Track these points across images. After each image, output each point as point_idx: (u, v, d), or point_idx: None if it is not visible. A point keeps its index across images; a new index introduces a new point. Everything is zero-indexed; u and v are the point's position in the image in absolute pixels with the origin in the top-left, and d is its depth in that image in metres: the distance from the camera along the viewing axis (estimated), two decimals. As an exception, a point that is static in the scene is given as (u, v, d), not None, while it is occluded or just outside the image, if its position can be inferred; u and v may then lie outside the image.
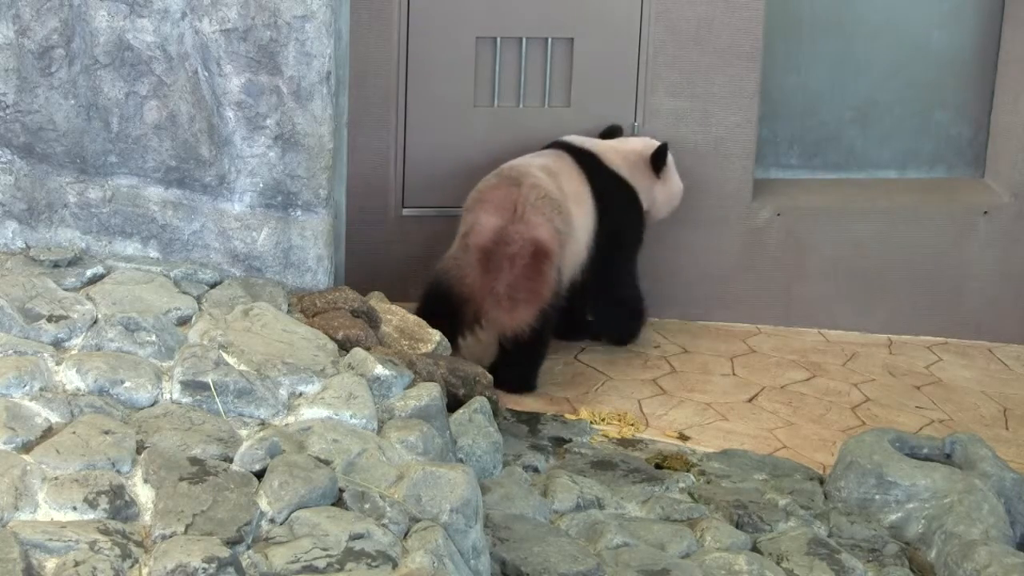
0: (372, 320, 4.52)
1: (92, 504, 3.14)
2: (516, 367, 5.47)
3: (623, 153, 6.00)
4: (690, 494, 4.45)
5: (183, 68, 4.48)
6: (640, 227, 6.04)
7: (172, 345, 3.92)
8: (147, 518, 3.16)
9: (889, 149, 6.76)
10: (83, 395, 3.61)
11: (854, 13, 6.60)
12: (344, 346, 4.16)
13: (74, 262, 4.37)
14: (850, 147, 6.74)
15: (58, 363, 3.73)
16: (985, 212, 6.56)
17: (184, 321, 4.13)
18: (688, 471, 4.68)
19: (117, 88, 4.47)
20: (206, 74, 4.49)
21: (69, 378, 3.67)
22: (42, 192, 4.49)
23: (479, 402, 4.32)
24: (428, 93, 6.12)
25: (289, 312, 4.38)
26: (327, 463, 3.41)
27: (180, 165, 4.55)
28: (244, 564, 2.99)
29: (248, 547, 3.09)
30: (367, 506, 3.30)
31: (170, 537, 3.05)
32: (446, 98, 6.13)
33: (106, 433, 3.39)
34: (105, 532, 3.03)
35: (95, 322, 3.97)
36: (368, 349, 4.10)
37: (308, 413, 3.70)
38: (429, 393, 3.94)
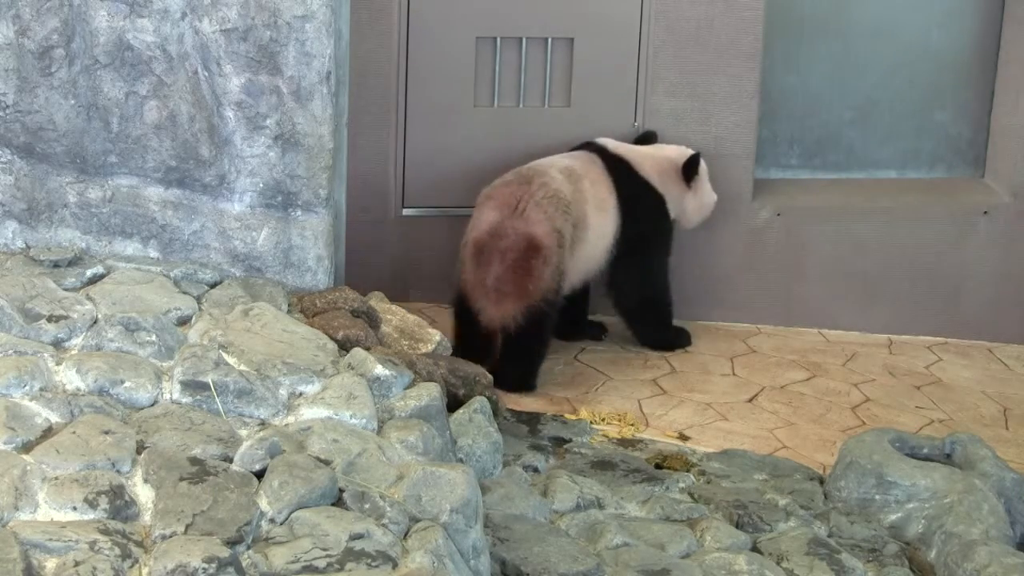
0: (372, 320, 4.52)
1: (92, 504, 3.14)
2: (514, 365, 5.48)
3: (656, 160, 5.99)
4: (690, 494, 4.44)
5: (183, 68, 4.49)
6: (666, 235, 6.03)
7: (172, 345, 3.92)
8: (147, 518, 3.16)
9: (889, 149, 6.76)
10: (83, 395, 3.61)
11: (854, 13, 6.60)
12: (344, 346, 4.16)
13: (74, 262, 4.37)
14: (850, 147, 6.74)
15: (58, 363, 3.73)
16: (985, 212, 6.56)
17: (184, 321, 4.14)
18: (688, 471, 4.68)
19: (117, 88, 4.47)
20: (206, 74, 4.49)
21: (69, 378, 3.67)
22: (42, 192, 4.49)
23: (479, 402, 4.32)
24: (428, 93, 6.12)
25: (289, 312, 4.38)
26: (327, 463, 3.41)
27: (180, 165, 4.55)
28: (244, 564, 2.99)
29: (248, 547, 3.09)
30: (367, 506, 3.30)
31: (170, 537, 3.05)
32: (446, 98, 6.13)
33: (106, 433, 3.39)
34: (105, 532, 3.03)
35: (95, 322, 3.97)
36: (368, 349, 4.10)
37: (308, 413, 3.70)
38: (429, 393, 3.94)
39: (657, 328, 6.09)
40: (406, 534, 3.25)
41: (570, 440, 4.88)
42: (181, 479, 3.24)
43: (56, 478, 3.21)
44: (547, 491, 4.23)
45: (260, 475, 3.33)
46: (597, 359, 5.94)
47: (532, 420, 5.02)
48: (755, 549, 4.13)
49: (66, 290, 4.14)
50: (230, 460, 3.40)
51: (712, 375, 5.89)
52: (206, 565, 2.91)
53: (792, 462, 4.94)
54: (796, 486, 4.63)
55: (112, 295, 4.14)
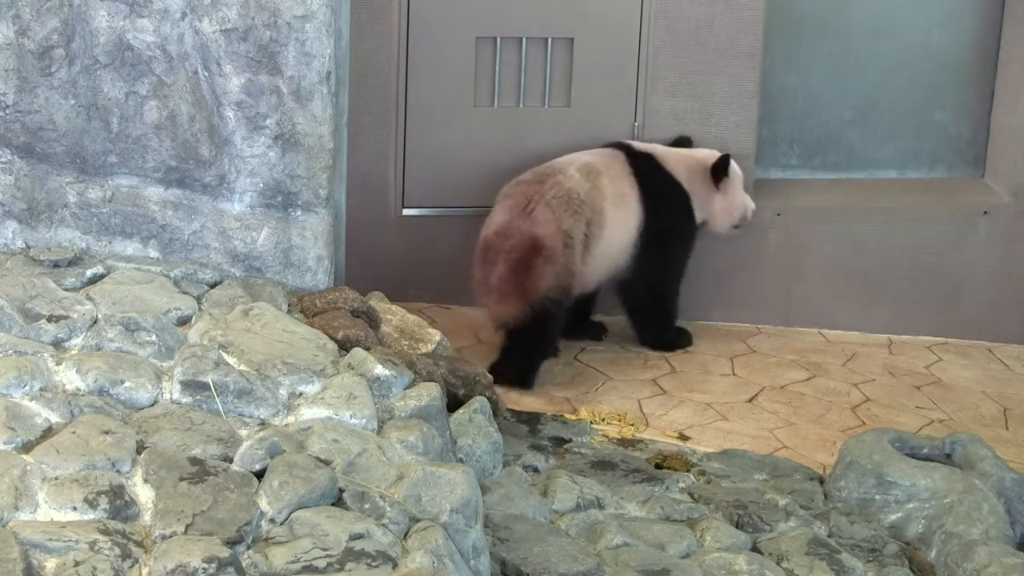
0: (372, 320, 4.52)
1: (92, 504, 3.13)
2: (512, 362, 5.49)
3: (684, 158, 6.00)
4: (690, 494, 4.44)
5: (183, 68, 4.48)
6: (687, 234, 6.02)
7: (172, 345, 3.92)
8: (147, 518, 3.16)
9: (889, 149, 6.76)
10: (83, 395, 3.61)
11: (854, 13, 6.60)
12: (344, 346, 4.16)
13: (74, 262, 4.37)
14: (850, 147, 6.74)
15: (58, 363, 3.73)
16: (985, 212, 6.56)
17: (184, 321, 4.13)
18: (688, 471, 4.68)
19: (117, 88, 4.47)
20: (206, 74, 4.49)
21: (69, 378, 3.67)
22: (42, 192, 4.49)
23: (479, 402, 4.31)
24: (428, 93, 6.12)
25: (289, 312, 4.38)
26: (327, 463, 3.41)
27: (180, 165, 4.55)
28: (244, 564, 2.99)
29: (248, 547, 3.09)
30: (367, 506, 3.30)
31: (170, 537, 3.05)
32: (446, 98, 6.14)
33: (106, 433, 3.39)
34: (105, 532, 3.03)
35: (95, 322, 3.96)
36: (368, 349, 4.10)
37: (308, 413, 3.70)
38: (429, 393, 3.94)
39: (660, 327, 6.09)
40: (406, 534, 3.25)
41: (570, 440, 4.88)
42: (181, 479, 3.24)
43: (56, 478, 3.21)
44: (547, 491, 4.23)
45: (260, 475, 3.33)
46: (597, 359, 5.94)
47: (532, 420, 5.03)
48: (755, 549, 4.13)
49: (66, 290, 4.14)
50: (230, 460, 3.40)
51: (712, 375, 5.89)
52: (206, 565, 2.91)
53: (792, 462, 4.94)
54: (796, 486, 4.63)
55: (112, 295, 4.14)
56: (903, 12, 6.63)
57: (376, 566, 3.07)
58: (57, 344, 3.86)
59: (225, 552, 2.97)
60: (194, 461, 3.34)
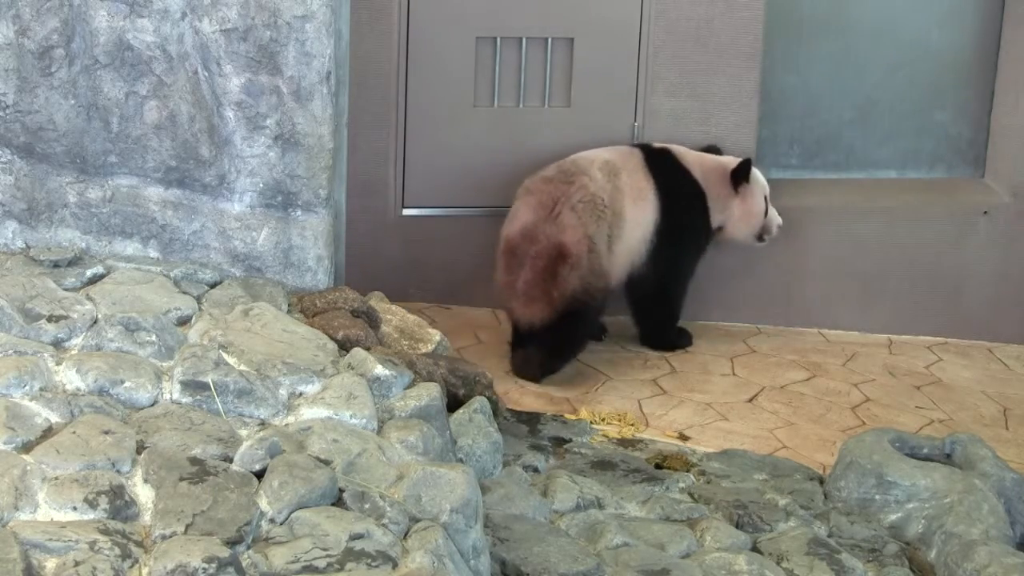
0: (372, 320, 4.52)
1: (92, 504, 3.13)
2: (539, 356, 5.54)
3: (703, 159, 6.02)
4: (690, 494, 4.44)
5: (183, 68, 4.48)
6: (700, 233, 6.02)
7: (172, 345, 3.92)
8: (147, 518, 3.16)
9: (889, 149, 6.77)
10: (83, 395, 3.61)
11: (854, 13, 6.61)
12: (344, 346, 4.16)
13: (74, 262, 4.37)
14: (850, 147, 6.74)
15: (58, 363, 3.73)
16: (985, 212, 6.57)
17: (184, 321, 4.13)
18: (688, 471, 4.68)
19: (117, 88, 4.47)
20: (206, 74, 4.49)
21: (69, 378, 3.67)
22: (42, 192, 4.49)
23: (479, 402, 4.31)
24: (428, 93, 6.12)
25: (289, 312, 4.38)
26: (327, 463, 3.41)
27: (180, 165, 4.55)
28: (244, 564, 2.99)
29: (248, 547, 3.09)
30: (367, 506, 3.30)
31: (170, 537, 3.05)
32: (446, 98, 6.14)
33: (106, 433, 3.39)
34: (105, 532, 3.03)
35: (95, 322, 3.96)
36: (368, 349, 4.10)
37: (308, 413, 3.70)
38: (429, 393, 3.94)
39: (662, 327, 6.09)
40: (406, 534, 3.25)
41: (570, 440, 4.88)
42: (181, 479, 3.24)
43: (56, 478, 3.21)
44: (547, 491, 4.23)
45: (260, 475, 3.33)
46: (597, 359, 5.94)
47: (532, 420, 5.03)
48: (755, 549, 4.13)
49: (66, 290, 4.14)
50: (230, 460, 3.40)
51: (712, 375, 5.90)
52: (206, 565, 2.91)
53: (792, 462, 4.94)
54: (796, 486, 4.63)
55: (112, 295, 4.14)
56: (903, 12, 6.63)
57: (376, 566, 3.07)
58: (57, 344, 3.86)
59: (225, 552, 2.97)
60: (194, 461, 3.33)
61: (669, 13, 6.19)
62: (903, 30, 6.65)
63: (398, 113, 6.10)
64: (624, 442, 5.01)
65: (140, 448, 3.39)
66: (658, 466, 4.71)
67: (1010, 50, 6.61)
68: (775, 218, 6.09)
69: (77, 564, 2.88)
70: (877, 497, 4.53)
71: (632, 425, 5.26)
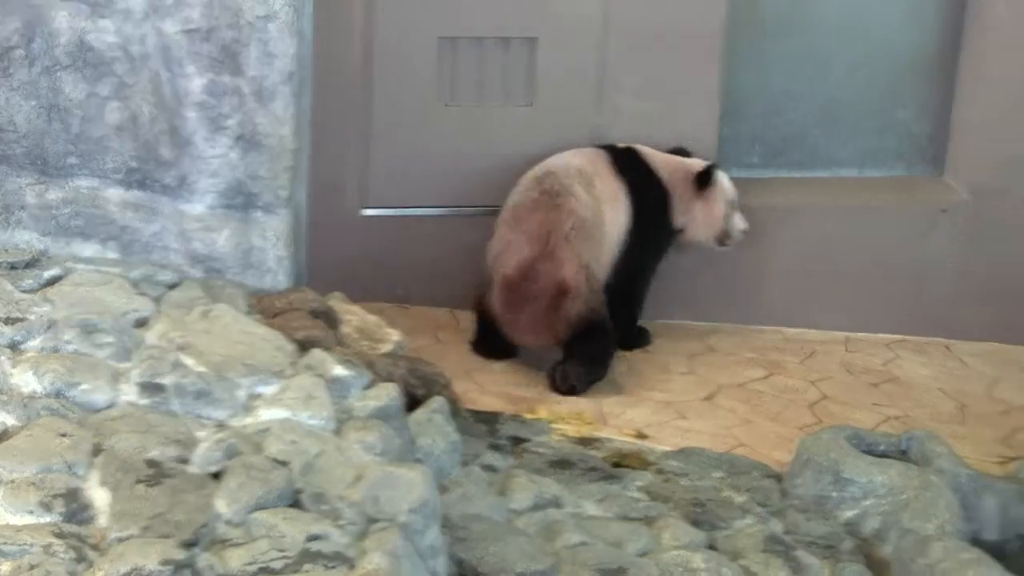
0: (331, 321, 4.52)
1: (48, 507, 3.13)
2: (576, 365, 5.57)
3: (668, 160, 6.02)
4: (648, 492, 4.47)
5: (145, 68, 4.48)
6: (662, 232, 6.02)
7: (130, 347, 3.91)
8: (103, 521, 3.16)
9: (851, 148, 6.78)
10: (39, 398, 3.60)
11: (816, 11, 6.62)
12: (304, 347, 4.15)
13: (32, 264, 4.35)
14: (813, 146, 6.75)
15: (14, 365, 3.71)
16: (944, 210, 6.60)
17: (142, 323, 4.11)
18: (646, 469, 4.69)
19: (78, 89, 4.46)
20: (168, 75, 4.48)
21: (25, 380, 3.65)
22: (0, 194, 4.47)
23: (437, 402, 4.31)
24: (391, 93, 6.11)
25: (249, 313, 4.38)
26: (285, 464, 3.42)
27: (141, 166, 4.54)
28: (200, 566, 3.00)
29: (204, 549, 3.10)
30: (324, 507, 3.31)
31: (126, 540, 3.06)
32: (409, 98, 6.12)
33: (63, 436, 3.39)
34: (60, 535, 3.03)
35: (53, 324, 3.95)
36: (327, 350, 4.11)
37: (266, 414, 3.70)
38: (388, 393, 3.95)
39: (624, 326, 6.10)
40: (363, 535, 3.26)
41: (528, 439, 4.89)
42: (138, 481, 3.25)
43: (12, 481, 3.21)
44: (505, 490, 4.24)
45: (218, 476, 3.34)
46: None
47: (490, 420, 5.03)
48: (712, 547, 4.15)
49: (23, 292, 4.12)
50: (187, 462, 3.41)
51: (671, 374, 5.91)
52: (162, 568, 2.93)
53: (750, 460, 4.96)
54: (753, 484, 4.66)
55: (70, 297, 4.12)
56: (865, 10, 6.65)
57: (333, 567, 3.09)
58: (14, 347, 3.84)
59: (181, 554, 2.98)
60: (151, 463, 3.34)
61: (631, 12, 6.20)
62: (865, 28, 6.66)
63: (361, 113, 6.09)
64: (582, 441, 5.01)
65: (97, 451, 3.40)
66: (616, 464, 4.72)
67: (971, 48, 6.64)
68: (739, 223, 6.11)
69: (32, 568, 2.89)
70: (834, 494, 4.57)
71: (590, 424, 5.26)
